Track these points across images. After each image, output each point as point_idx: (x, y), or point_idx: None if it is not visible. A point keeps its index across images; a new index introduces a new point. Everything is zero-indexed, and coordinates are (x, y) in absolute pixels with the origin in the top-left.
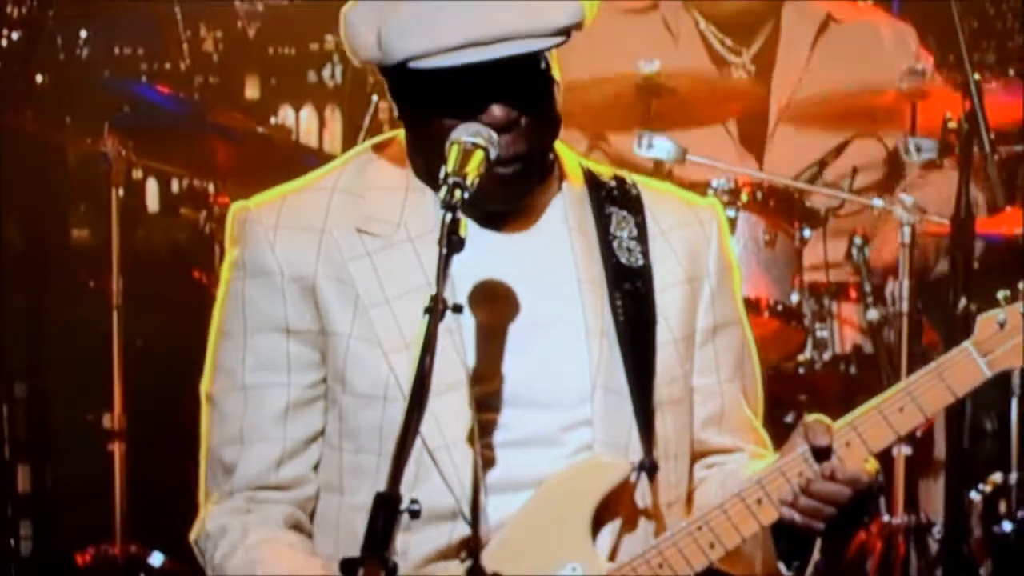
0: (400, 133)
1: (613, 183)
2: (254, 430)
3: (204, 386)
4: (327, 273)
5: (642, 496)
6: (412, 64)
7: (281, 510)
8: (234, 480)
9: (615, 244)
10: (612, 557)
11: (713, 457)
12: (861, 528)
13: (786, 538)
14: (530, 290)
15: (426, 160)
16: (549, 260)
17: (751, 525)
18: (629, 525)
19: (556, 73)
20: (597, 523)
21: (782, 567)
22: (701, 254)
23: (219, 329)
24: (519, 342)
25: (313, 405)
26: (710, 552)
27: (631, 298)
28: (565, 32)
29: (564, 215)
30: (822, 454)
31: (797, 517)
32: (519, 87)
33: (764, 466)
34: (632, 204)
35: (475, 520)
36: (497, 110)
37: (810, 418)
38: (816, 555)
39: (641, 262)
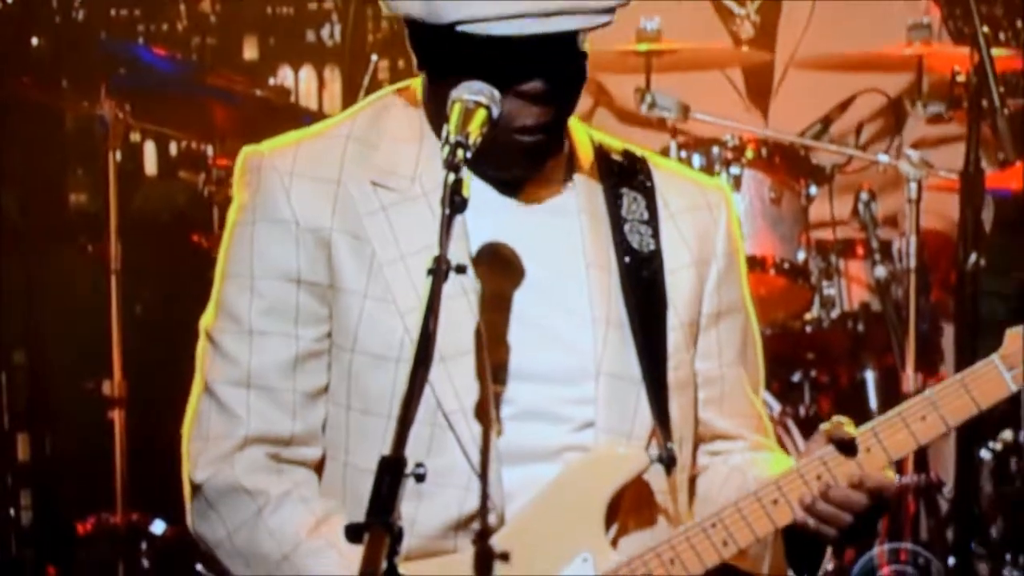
0: (415, 82)
1: (624, 161)
2: (261, 376)
3: (205, 322)
4: (343, 227)
5: (657, 486)
6: (463, 28)
7: (310, 475)
8: (243, 428)
9: (627, 227)
10: (615, 544)
11: (715, 444)
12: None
13: (798, 543)
14: (540, 265)
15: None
16: (558, 240)
17: (766, 525)
18: (643, 516)
19: (587, 47)
20: (611, 513)
21: (791, 573)
22: (709, 238)
23: (225, 271)
24: (527, 314)
25: (319, 359)
26: (723, 550)
27: (643, 284)
28: (613, 10)
29: (575, 193)
30: (847, 449)
31: (811, 521)
32: (560, 60)
33: (770, 461)
34: (643, 185)
35: (485, 492)
36: (539, 83)
37: (833, 420)
38: (827, 562)
39: (652, 246)
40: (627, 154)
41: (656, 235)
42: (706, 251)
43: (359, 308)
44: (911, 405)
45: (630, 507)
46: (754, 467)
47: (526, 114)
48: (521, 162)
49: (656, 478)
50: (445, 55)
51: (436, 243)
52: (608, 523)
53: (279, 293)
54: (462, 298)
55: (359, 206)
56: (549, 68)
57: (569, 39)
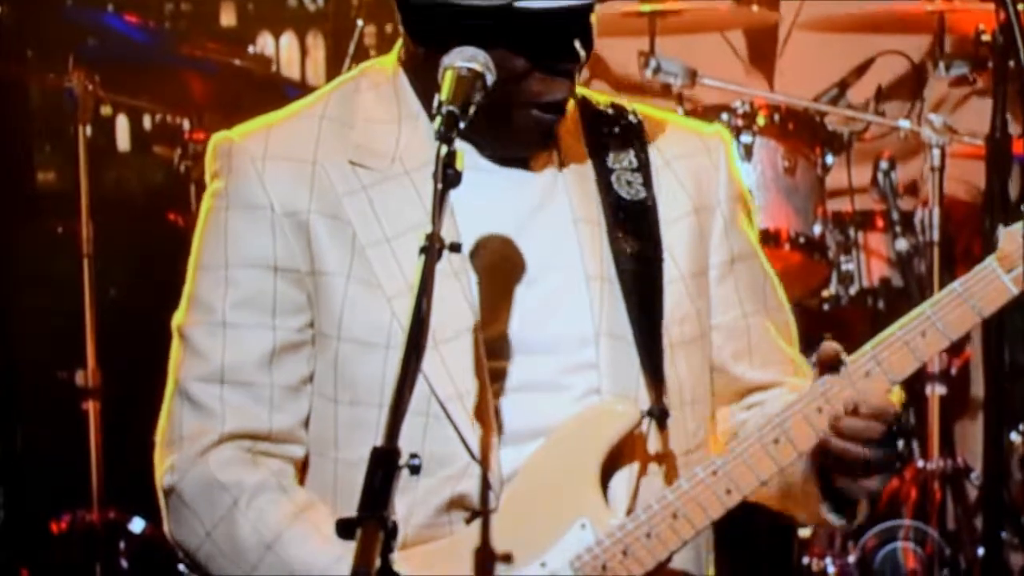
0: (385, 59)
1: (610, 112)
2: (235, 371)
3: (176, 319)
4: (321, 209)
5: (654, 444)
6: (522, 4)
7: (288, 466)
8: (219, 425)
9: (613, 178)
10: (630, 510)
11: (752, 396)
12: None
13: (831, 486)
14: (527, 231)
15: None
16: (543, 199)
17: (768, 467)
18: (642, 475)
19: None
20: (608, 474)
21: (831, 516)
22: (709, 184)
23: (197, 262)
24: (521, 283)
25: (300, 350)
26: (727, 499)
27: (633, 236)
28: None
29: (556, 149)
30: (833, 369)
31: (830, 457)
32: (586, 34)
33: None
34: (632, 134)
35: (485, 473)
36: (570, 58)
37: (825, 344)
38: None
39: (643, 195)
40: (614, 106)
41: (648, 185)
42: (708, 198)
43: (342, 291)
44: (908, 322)
45: (627, 465)
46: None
47: (552, 90)
48: (536, 140)
49: (651, 434)
50: (471, 34)
51: (421, 223)
52: (604, 484)
53: (255, 282)
54: (452, 279)
55: (337, 186)
56: (577, 42)
57: (588, 13)
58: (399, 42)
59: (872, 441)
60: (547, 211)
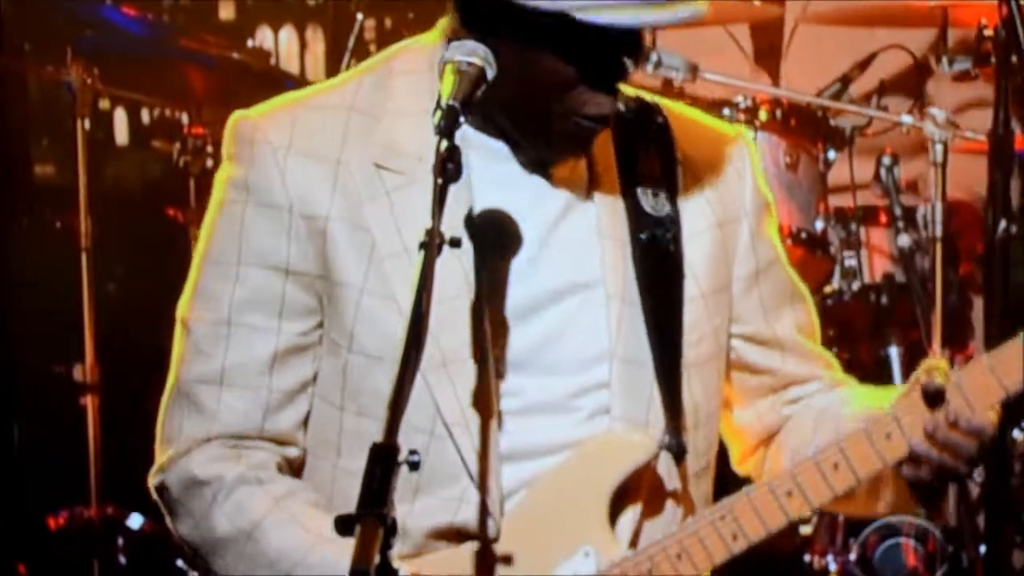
0: (424, 38)
1: (637, 113)
2: (235, 373)
3: (180, 309)
4: (341, 215)
5: (668, 476)
6: (579, 16)
7: (272, 458)
8: (211, 426)
9: (640, 191)
10: (634, 542)
11: (790, 391)
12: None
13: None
14: (549, 244)
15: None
16: (568, 208)
17: (779, 519)
18: (653, 507)
19: None
20: (618, 505)
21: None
22: (735, 194)
23: (207, 252)
24: (538, 298)
25: (304, 354)
26: (732, 544)
27: (655, 253)
28: None
29: (585, 156)
30: (935, 401)
31: (924, 473)
32: (637, 48)
33: (855, 397)
34: (659, 137)
35: (485, 499)
36: (622, 71)
37: (927, 364)
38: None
39: (667, 210)
40: (641, 103)
41: (673, 196)
42: (733, 209)
43: (355, 303)
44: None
45: (638, 497)
46: (844, 406)
47: (597, 102)
48: (573, 148)
49: (667, 467)
50: (529, 35)
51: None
52: (613, 515)
53: (264, 283)
54: (465, 297)
55: (361, 191)
56: (629, 57)
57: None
58: (441, 21)
59: (964, 456)
60: (570, 220)
